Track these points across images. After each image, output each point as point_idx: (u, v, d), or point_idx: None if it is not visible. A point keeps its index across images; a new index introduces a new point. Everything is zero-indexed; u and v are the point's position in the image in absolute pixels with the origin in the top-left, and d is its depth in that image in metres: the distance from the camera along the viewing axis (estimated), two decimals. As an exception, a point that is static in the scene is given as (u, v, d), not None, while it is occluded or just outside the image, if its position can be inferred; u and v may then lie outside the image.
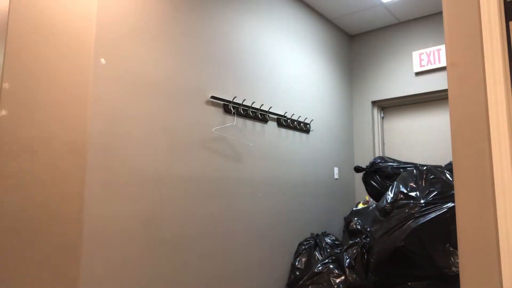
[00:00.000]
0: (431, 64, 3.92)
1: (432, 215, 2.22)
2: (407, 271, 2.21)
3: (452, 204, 2.22)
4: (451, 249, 2.13)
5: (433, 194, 2.35)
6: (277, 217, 3.11)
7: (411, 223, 2.24)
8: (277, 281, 3.01)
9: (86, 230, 1.89)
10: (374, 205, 3.05)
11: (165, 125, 2.30)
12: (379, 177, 3.23)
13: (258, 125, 3.02)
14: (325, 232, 3.54)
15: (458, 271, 2.06)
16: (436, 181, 2.41)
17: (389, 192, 2.57)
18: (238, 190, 2.76)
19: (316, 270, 2.66)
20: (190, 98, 2.48)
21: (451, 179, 2.37)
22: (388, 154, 4.30)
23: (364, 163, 4.21)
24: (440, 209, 2.23)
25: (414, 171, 2.56)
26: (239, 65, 2.89)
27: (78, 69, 2.00)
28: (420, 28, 4.06)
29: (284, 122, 3.28)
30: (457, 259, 2.10)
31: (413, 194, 2.43)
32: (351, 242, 2.69)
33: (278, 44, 3.32)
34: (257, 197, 2.92)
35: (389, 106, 4.35)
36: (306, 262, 2.98)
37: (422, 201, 2.34)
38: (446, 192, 2.33)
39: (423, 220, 2.22)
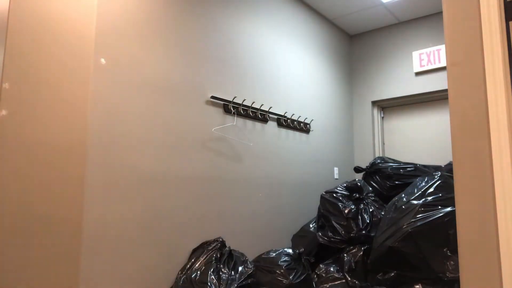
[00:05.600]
0: (431, 64, 3.92)
1: (430, 218, 2.22)
2: (403, 273, 2.20)
3: (451, 208, 2.22)
4: (449, 253, 2.12)
5: (433, 197, 2.35)
6: (277, 217, 3.11)
7: (408, 225, 2.24)
8: (277, 281, 3.01)
9: (86, 229, 1.88)
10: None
11: (165, 125, 2.30)
12: (379, 178, 3.23)
13: (258, 125, 3.02)
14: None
15: (453, 276, 2.05)
16: (444, 185, 2.40)
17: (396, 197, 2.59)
18: (238, 190, 2.76)
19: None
20: (190, 98, 2.48)
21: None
22: (388, 154, 4.30)
23: (364, 163, 4.21)
24: (439, 213, 2.23)
25: (426, 177, 2.57)
26: (239, 65, 2.89)
27: (78, 69, 2.00)
28: (420, 28, 4.06)
29: (284, 122, 3.28)
30: (453, 264, 2.09)
31: (413, 196, 2.43)
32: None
33: (278, 44, 3.32)
34: (257, 197, 2.92)
35: (389, 106, 4.35)
36: (306, 262, 2.97)
37: (420, 202, 2.34)
38: (447, 194, 2.33)
39: (420, 223, 2.22)
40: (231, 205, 2.68)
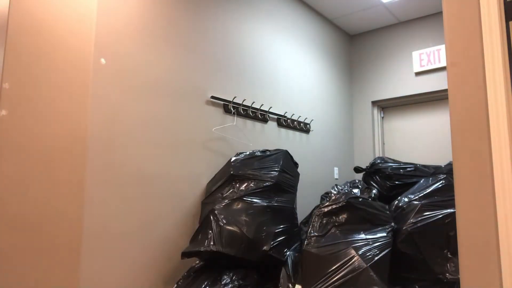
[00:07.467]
0: (431, 64, 3.92)
1: (431, 219, 2.21)
2: (403, 274, 2.20)
3: (452, 210, 2.21)
4: (449, 255, 2.12)
5: (435, 198, 2.34)
6: (277, 217, 3.11)
7: (408, 226, 2.24)
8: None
9: (86, 229, 1.88)
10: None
11: (165, 125, 2.30)
12: (379, 178, 3.23)
13: (258, 125, 3.02)
14: (325, 232, 3.54)
15: (453, 278, 2.05)
16: (447, 187, 2.40)
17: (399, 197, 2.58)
18: (238, 190, 2.75)
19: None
20: (190, 98, 2.48)
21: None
22: (388, 154, 4.30)
23: (364, 163, 4.21)
24: (439, 214, 2.22)
25: (430, 179, 2.56)
26: (239, 65, 2.89)
27: (78, 69, 2.00)
28: (420, 28, 4.06)
29: (284, 122, 3.28)
30: (454, 265, 2.09)
31: (415, 197, 2.43)
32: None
33: (278, 44, 3.32)
34: (257, 197, 2.92)
35: (389, 106, 4.35)
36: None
37: (421, 203, 2.34)
38: (449, 196, 2.32)
39: (420, 224, 2.21)
40: (231, 205, 2.68)
